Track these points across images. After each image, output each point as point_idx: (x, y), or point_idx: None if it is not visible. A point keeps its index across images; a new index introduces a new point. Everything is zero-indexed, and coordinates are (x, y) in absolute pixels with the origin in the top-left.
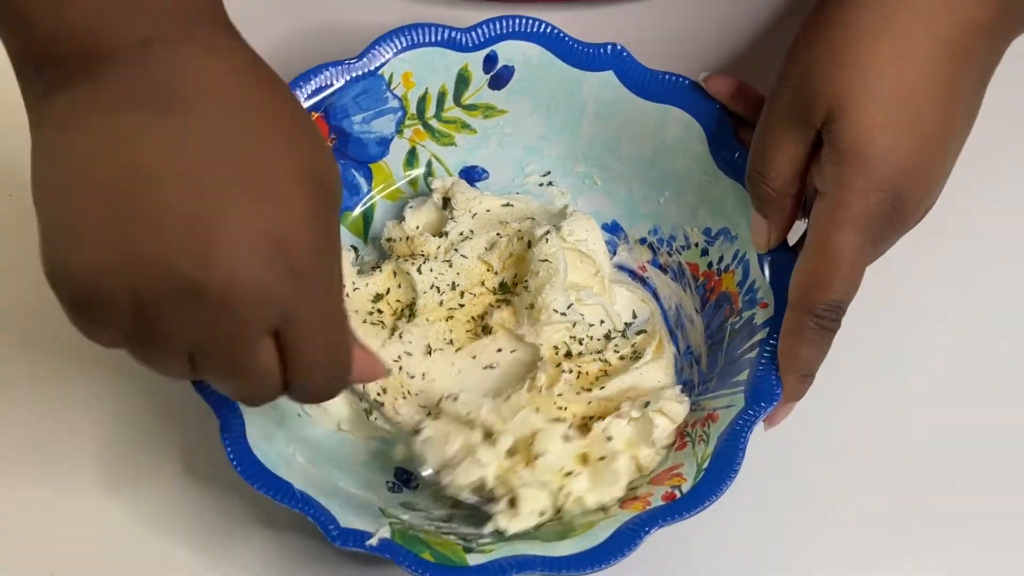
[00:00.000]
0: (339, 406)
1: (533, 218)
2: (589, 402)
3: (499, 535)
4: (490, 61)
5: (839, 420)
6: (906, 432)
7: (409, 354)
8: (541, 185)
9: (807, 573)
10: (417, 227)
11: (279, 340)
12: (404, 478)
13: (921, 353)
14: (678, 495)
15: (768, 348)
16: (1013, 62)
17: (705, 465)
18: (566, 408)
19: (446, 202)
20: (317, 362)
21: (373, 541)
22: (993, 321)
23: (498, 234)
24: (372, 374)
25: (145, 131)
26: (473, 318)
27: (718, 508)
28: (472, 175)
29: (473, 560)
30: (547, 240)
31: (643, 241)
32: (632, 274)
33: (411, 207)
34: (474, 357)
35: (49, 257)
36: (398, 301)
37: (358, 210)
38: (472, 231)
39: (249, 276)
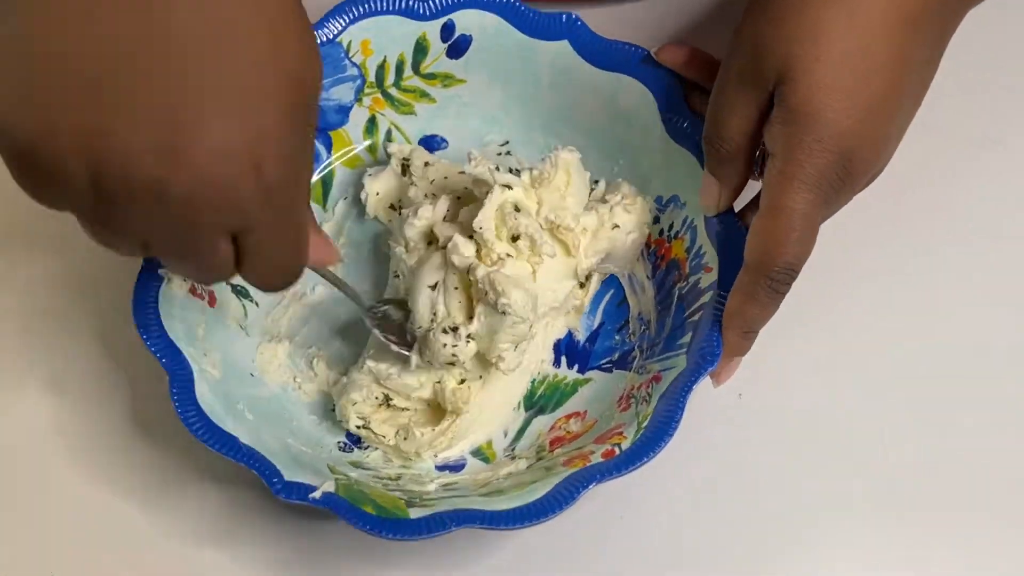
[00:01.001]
0: (287, 368)
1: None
2: None
3: (444, 494)
4: (447, 30)
5: (830, 417)
6: (895, 428)
7: None
8: (499, 155)
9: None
10: (378, 193)
11: (237, 240)
12: (355, 439)
13: (917, 352)
14: (617, 452)
15: (712, 311)
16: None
17: (645, 423)
18: None
19: (404, 168)
20: (272, 265)
21: (316, 494)
22: (993, 319)
23: (458, 197)
24: (325, 260)
25: (129, 7)
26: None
27: (708, 507)
28: (431, 144)
29: (414, 514)
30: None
31: None
32: None
33: (369, 174)
34: None
35: (2, 114)
36: None
37: (316, 176)
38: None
39: (216, 184)
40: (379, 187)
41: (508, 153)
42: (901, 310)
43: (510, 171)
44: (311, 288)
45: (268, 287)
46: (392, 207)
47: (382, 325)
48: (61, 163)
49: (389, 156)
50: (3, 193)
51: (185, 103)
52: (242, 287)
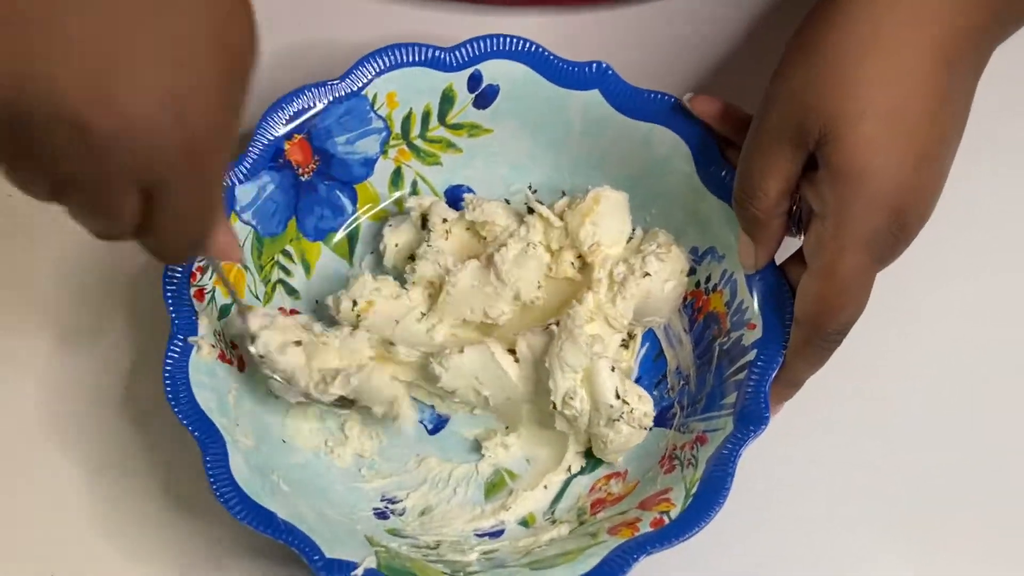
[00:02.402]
0: (319, 432)
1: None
2: None
3: (487, 562)
4: (475, 80)
5: (828, 429)
6: (896, 439)
7: None
8: (528, 194)
9: None
10: (397, 245)
11: (146, 194)
12: (390, 504)
13: (912, 357)
14: (667, 521)
15: (756, 370)
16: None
17: (694, 490)
18: None
19: (424, 221)
20: (176, 230)
21: (359, 572)
22: (988, 324)
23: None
24: (228, 256)
25: None
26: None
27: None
28: (457, 193)
29: None
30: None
31: None
32: None
33: (390, 226)
34: None
35: None
36: None
37: (342, 232)
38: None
39: (138, 133)
40: (398, 239)
41: (535, 192)
42: (901, 310)
43: (529, 211)
44: None
45: (164, 256)
46: (411, 258)
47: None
48: None
49: (409, 210)
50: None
51: (120, 44)
52: None
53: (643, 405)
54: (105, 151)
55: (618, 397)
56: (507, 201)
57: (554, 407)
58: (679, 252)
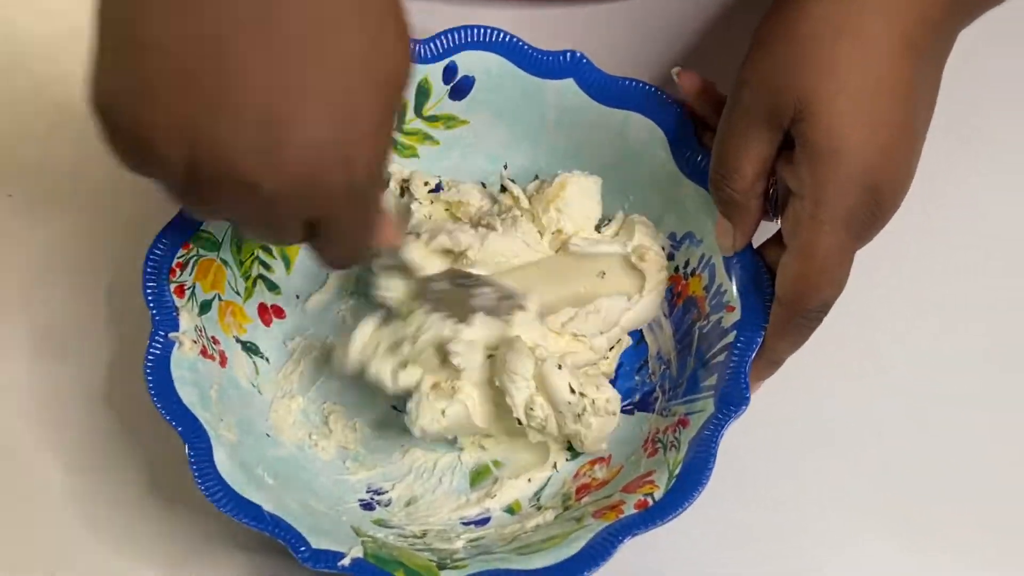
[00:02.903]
0: (302, 425)
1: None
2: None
3: (473, 549)
4: (450, 72)
5: (811, 409)
6: (888, 428)
7: None
8: (504, 192)
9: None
10: None
11: (313, 223)
12: (376, 496)
13: (895, 339)
14: (651, 503)
15: (736, 352)
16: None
17: (677, 472)
18: None
19: (403, 190)
20: (343, 249)
21: (345, 561)
22: (980, 317)
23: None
24: (390, 242)
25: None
26: None
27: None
28: (437, 186)
29: None
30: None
31: None
32: None
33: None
34: None
35: (106, 96)
36: None
37: None
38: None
39: (306, 184)
40: None
41: (512, 180)
42: (901, 311)
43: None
44: (322, 342)
45: (333, 266)
46: None
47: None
48: (159, 151)
49: (387, 178)
50: None
51: (283, 102)
52: (252, 343)
53: (603, 392)
54: (273, 204)
55: (574, 392)
56: (483, 184)
57: (519, 423)
58: (656, 256)
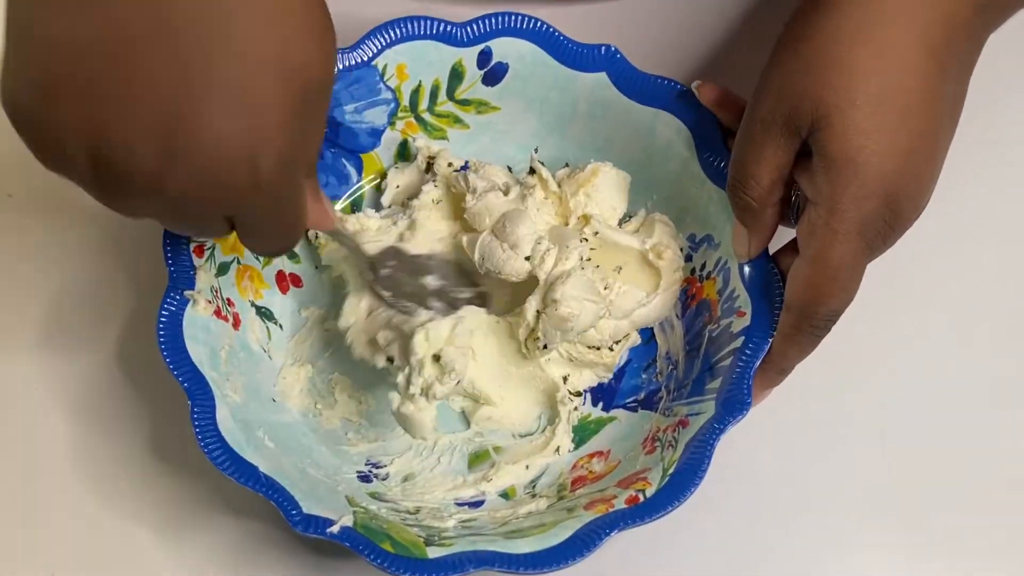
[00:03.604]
0: (309, 394)
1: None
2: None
3: (463, 529)
4: (484, 57)
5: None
6: (886, 429)
7: None
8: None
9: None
10: (398, 186)
11: (230, 218)
12: (374, 469)
13: (897, 345)
14: (641, 499)
15: (743, 357)
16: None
17: (671, 470)
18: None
19: (429, 166)
20: (265, 240)
21: (334, 529)
22: (985, 321)
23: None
24: (322, 226)
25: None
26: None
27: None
28: (464, 170)
29: (432, 553)
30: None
31: None
32: None
33: (396, 168)
34: None
35: (12, 96)
36: None
37: (345, 200)
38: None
39: (210, 183)
40: (401, 180)
41: (541, 163)
42: (902, 311)
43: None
44: (336, 313)
45: (263, 255)
46: (409, 198)
47: (384, 282)
48: (65, 148)
49: (416, 152)
50: None
51: (185, 101)
52: (267, 309)
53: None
54: (180, 201)
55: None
56: (510, 169)
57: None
58: (674, 256)
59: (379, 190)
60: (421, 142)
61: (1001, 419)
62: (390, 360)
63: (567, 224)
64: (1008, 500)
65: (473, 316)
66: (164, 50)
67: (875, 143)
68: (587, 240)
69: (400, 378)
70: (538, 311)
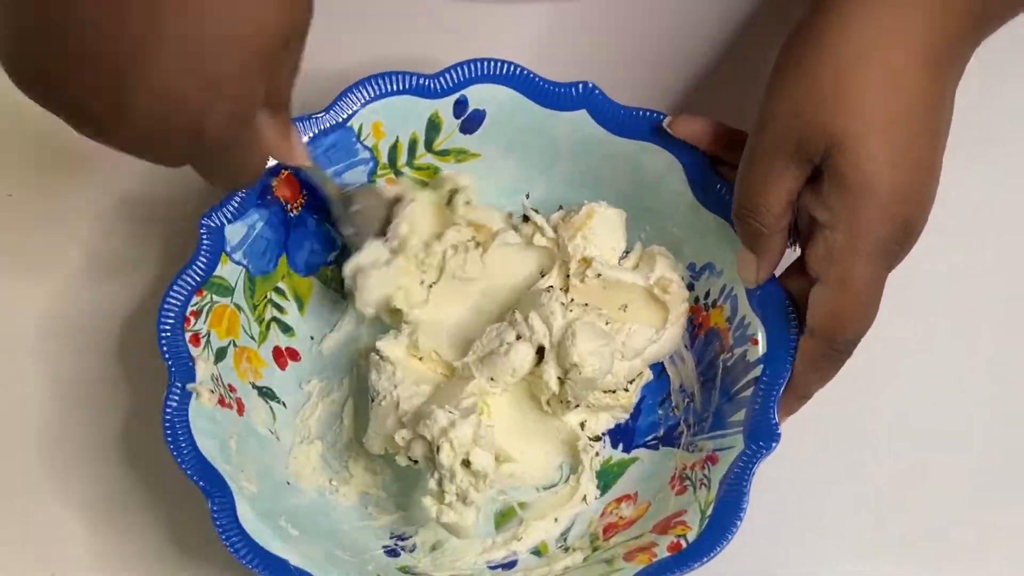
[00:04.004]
0: (322, 471)
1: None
2: None
3: None
4: (460, 106)
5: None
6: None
7: None
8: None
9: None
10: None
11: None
12: (399, 541)
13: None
14: (684, 544)
15: (763, 386)
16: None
17: (709, 512)
18: None
19: (451, 198)
20: (219, 180)
21: None
22: (986, 324)
23: None
24: (289, 161)
25: None
26: None
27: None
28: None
29: None
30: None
31: None
32: None
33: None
34: None
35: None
36: None
37: (334, 266)
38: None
39: (151, 139)
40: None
41: (535, 210)
42: (903, 312)
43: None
44: (338, 383)
45: (222, 188)
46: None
47: (352, 216)
48: (28, 91)
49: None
50: None
51: (131, 59)
52: (268, 388)
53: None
54: (131, 147)
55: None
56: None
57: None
58: (679, 288)
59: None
60: (449, 172)
61: (1012, 426)
62: (413, 460)
63: (568, 269)
64: (1013, 508)
65: (494, 402)
66: (111, 6)
67: (888, 167)
68: (554, 289)
69: (432, 484)
70: (559, 378)
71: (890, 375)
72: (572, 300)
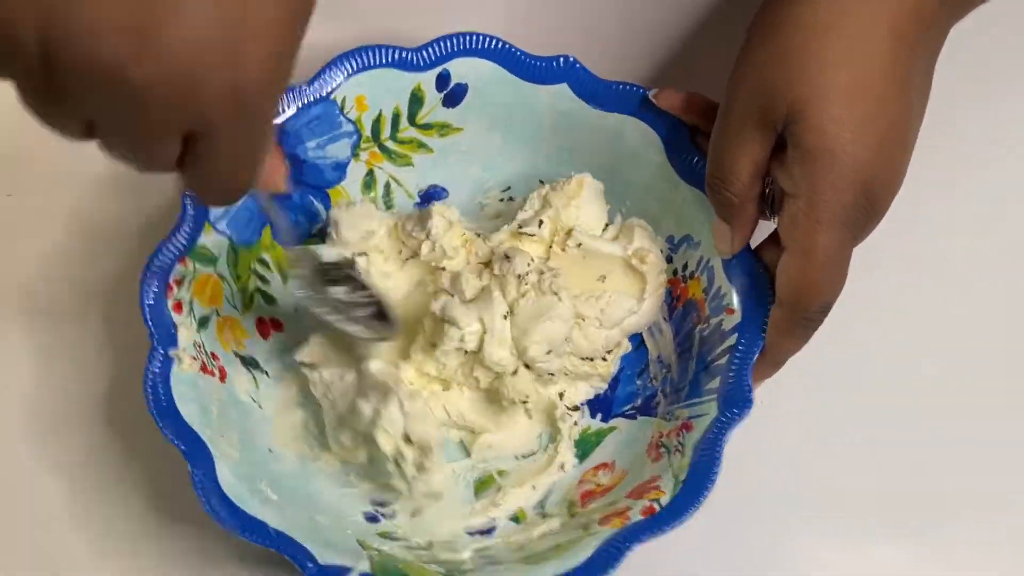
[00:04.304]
0: (303, 438)
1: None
2: None
3: (481, 560)
4: (443, 79)
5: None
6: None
7: None
8: (502, 201)
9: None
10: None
11: (189, 137)
12: (380, 507)
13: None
14: (657, 508)
15: (738, 354)
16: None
17: (683, 477)
18: None
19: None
20: (219, 176)
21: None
22: (981, 315)
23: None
24: (272, 184)
25: None
26: None
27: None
28: (432, 195)
29: None
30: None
31: None
32: None
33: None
34: None
35: None
36: None
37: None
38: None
39: (183, 76)
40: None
41: (511, 199)
42: (904, 312)
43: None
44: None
45: (207, 199)
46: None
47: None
48: (9, 32)
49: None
50: None
51: None
52: (251, 358)
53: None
54: (144, 97)
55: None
56: (481, 205)
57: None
58: (656, 259)
59: None
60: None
61: (1004, 418)
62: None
63: (551, 240)
64: (1010, 500)
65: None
66: None
67: (850, 133)
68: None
69: (392, 470)
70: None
71: (875, 352)
72: (532, 265)
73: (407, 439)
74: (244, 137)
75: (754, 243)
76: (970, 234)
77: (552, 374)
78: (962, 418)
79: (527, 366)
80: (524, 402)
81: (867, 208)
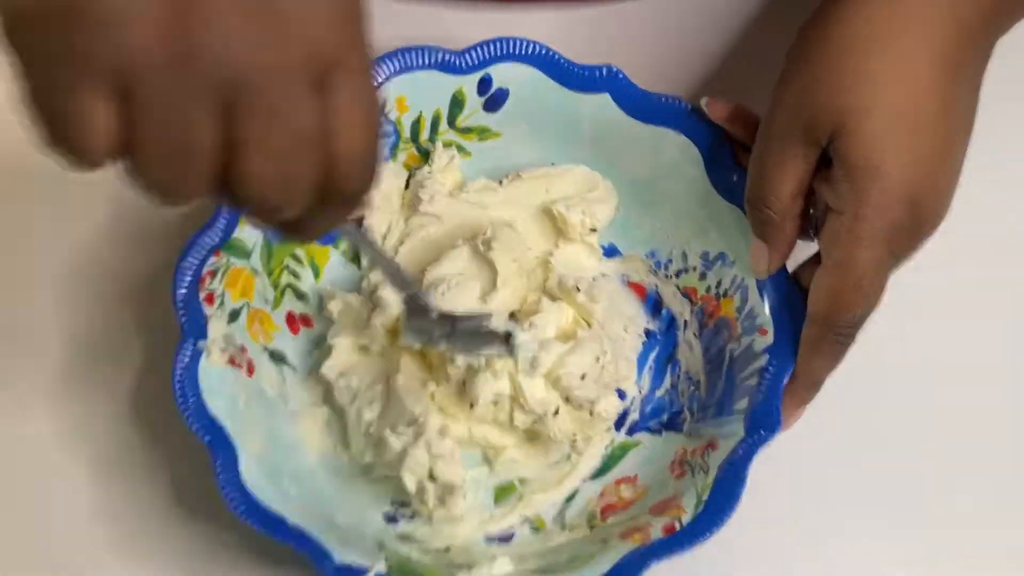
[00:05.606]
0: (327, 436)
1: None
2: None
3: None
4: (484, 84)
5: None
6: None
7: None
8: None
9: None
10: None
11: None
12: (400, 508)
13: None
14: (677, 527)
15: (768, 375)
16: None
17: (705, 496)
18: None
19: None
20: (162, 151)
21: None
22: (993, 322)
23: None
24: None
25: None
26: None
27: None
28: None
29: None
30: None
31: None
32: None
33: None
34: None
35: None
36: None
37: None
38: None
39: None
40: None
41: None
42: (905, 313)
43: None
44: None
45: (153, 189)
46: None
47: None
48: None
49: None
50: None
51: None
52: (279, 352)
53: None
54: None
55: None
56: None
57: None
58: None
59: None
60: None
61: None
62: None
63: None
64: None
65: (435, 417)
66: None
67: (896, 150)
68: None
69: (419, 507)
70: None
71: (900, 374)
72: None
73: (431, 476)
74: (366, 94)
75: (791, 265)
76: (975, 230)
77: (592, 401)
78: (1003, 457)
79: (566, 399)
80: (572, 441)
81: (911, 229)
